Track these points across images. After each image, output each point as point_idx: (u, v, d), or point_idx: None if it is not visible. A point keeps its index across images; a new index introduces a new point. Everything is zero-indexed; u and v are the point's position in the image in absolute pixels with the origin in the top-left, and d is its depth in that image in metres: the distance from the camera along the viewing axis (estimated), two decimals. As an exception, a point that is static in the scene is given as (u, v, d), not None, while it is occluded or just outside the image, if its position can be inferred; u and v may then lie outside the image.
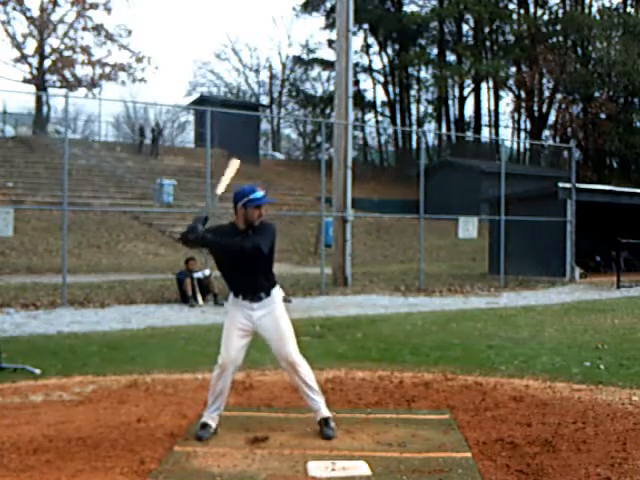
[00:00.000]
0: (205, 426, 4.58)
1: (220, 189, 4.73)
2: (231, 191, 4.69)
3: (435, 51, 49.09)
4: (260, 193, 4.56)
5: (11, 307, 11.40)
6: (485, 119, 49.81)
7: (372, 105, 51.95)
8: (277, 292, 4.71)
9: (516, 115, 47.65)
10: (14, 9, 36.11)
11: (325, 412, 4.63)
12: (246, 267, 4.53)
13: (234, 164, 4.83)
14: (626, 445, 4.42)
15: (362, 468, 3.99)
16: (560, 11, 45.21)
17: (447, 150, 47.79)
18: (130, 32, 39.28)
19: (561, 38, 43.95)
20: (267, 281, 4.64)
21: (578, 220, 18.17)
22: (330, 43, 47.19)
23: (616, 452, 4.29)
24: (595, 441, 4.50)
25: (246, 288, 4.61)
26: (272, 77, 54.24)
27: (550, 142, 44.39)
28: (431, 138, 50.93)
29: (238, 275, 4.59)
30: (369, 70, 51.23)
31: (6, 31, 36.50)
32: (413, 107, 51.98)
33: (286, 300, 12.65)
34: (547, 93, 44.71)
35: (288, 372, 4.68)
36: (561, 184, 18.43)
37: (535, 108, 44.84)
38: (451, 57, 48.39)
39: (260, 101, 52.51)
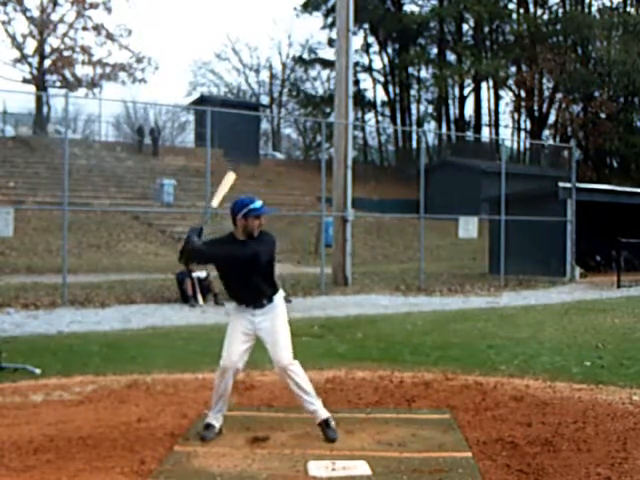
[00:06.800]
0: (209, 427, 4.60)
1: (215, 202, 4.72)
2: (227, 202, 4.65)
3: (435, 51, 49.08)
4: (259, 203, 4.58)
5: (11, 307, 11.38)
6: (485, 119, 49.86)
7: (372, 105, 51.92)
8: (279, 298, 4.71)
9: (516, 115, 47.66)
10: (14, 9, 36.10)
11: (324, 413, 4.60)
12: (247, 276, 4.52)
13: (230, 177, 4.81)
14: (626, 445, 4.42)
15: (362, 468, 4.00)
16: (560, 11, 45.17)
17: (447, 150, 47.74)
18: (130, 32, 39.28)
19: (561, 38, 43.87)
20: (269, 288, 4.64)
21: (578, 220, 18.16)
22: (330, 43, 47.18)
23: (616, 452, 4.29)
24: (595, 441, 4.50)
25: (248, 296, 4.62)
26: (272, 77, 54.26)
27: (550, 142, 44.37)
28: (431, 138, 50.96)
29: (240, 285, 4.59)
30: (369, 70, 51.23)
31: (6, 31, 36.54)
32: (413, 107, 52.04)
33: (287, 300, 12.66)
34: (547, 93, 44.69)
35: (281, 377, 4.68)
36: (561, 184, 18.41)
37: (535, 108, 44.81)
38: (451, 57, 48.40)
39: (260, 101, 52.47)
